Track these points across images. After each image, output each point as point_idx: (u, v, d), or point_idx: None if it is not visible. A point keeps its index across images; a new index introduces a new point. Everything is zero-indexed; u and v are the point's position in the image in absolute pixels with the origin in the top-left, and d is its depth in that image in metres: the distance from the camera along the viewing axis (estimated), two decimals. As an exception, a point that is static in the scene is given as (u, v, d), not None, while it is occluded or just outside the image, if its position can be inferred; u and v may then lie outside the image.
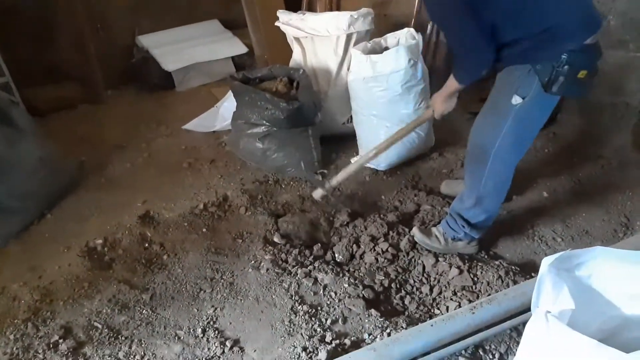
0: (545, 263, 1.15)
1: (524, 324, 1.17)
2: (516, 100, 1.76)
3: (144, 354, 1.84)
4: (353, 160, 2.93)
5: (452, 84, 1.98)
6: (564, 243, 2.29)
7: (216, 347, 1.84)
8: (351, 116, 2.95)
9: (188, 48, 4.19)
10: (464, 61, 1.83)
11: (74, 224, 2.53)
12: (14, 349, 1.86)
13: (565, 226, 2.39)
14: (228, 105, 3.32)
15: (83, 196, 2.77)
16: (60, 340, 1.88)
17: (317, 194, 2.51)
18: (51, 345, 1.86)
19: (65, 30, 3.65)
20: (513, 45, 1.70)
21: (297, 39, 2.97)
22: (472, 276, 2.05)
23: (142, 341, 1.88)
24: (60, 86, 3.73)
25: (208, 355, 1.81)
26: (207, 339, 1.88)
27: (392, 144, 2.38)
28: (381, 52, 2.56)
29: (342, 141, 3.09)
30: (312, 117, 2.79)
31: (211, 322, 1.95)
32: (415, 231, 2.25)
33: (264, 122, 2.75)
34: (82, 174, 2.92)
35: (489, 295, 1.88)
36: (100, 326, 1.94)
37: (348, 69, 2.78)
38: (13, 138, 2.43)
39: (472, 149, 2.04)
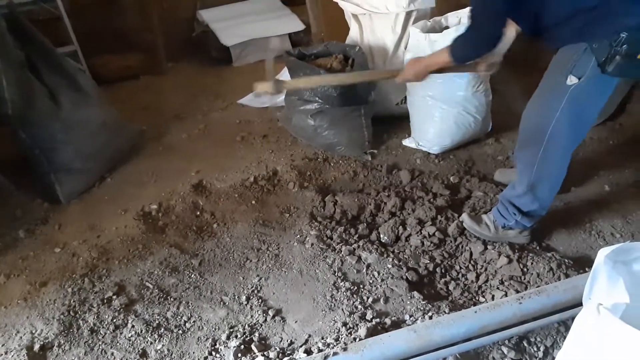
0: (602, 254, 1.09)
1: (574, 318, 1.13)
2: (571, 80, 1.67)
3: (191, 315, 1.91)
4: (405, 141, 2.89)
5: (442, 59, 1.91)
6: (623, 240, 2.17)
7: (259, 314, 1.89)
8: (405, 96, 2.90)
9: (246, 24, 4.23)
10: (476, 37, 1.79)
11: (131, 188, 2.65)
12: (72, 301, 1.99)
13: (626, 222, 2.26)
14: (283, 81, 3.34)
15: (141, 163, 2.88)
16: (114, 297, 1.99)
17: (262, 87, 2.17)
18: (105, 301, 1.98)
19: (130, 1, 3.78)
20: (567, 23, 1.61)
21: (355, 16, 2.92)
22: (521, 266, 1.99)
23: (190, 303, 1.96)
24: (124, 56, 3.87)
25: (251, 322, 1.86)
26: (251, 306, 1.93)
27: (354, 81, 2.46)
28: (441, 32, 2.49)
29: (395, 122, 3.04)
30: (365, 96, 2.76)
31: (255, 291, 2.00)
32: (464, 217, 2.20)
33: (317, 98, 2.75)
34: (141, 142, 3.04)
35: (538, 287, 1.82)
36: (151, 286, 2.04)
37: (405, 48, 2.72)
38: (79, 102, 2.56)
39: (524, 132, 1.96)
